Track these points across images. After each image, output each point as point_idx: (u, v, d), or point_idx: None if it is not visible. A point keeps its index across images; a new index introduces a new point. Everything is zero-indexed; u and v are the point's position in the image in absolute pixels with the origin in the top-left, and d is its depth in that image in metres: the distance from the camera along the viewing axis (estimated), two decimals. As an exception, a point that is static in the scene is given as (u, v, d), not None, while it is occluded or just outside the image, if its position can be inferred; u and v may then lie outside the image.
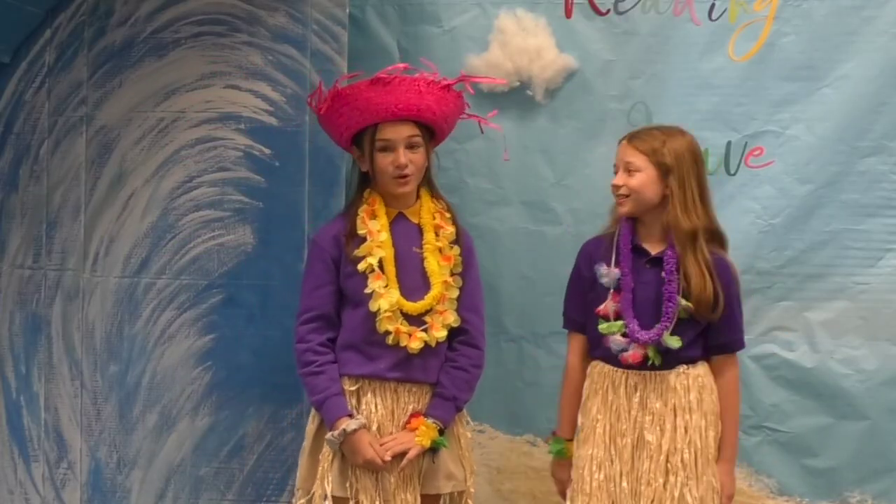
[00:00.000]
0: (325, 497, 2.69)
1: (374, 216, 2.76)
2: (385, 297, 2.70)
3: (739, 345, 2.82)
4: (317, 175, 3.20)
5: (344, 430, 2.67)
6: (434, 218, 2.80)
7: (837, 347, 3.34)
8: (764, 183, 3.35)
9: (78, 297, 3.30)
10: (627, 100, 3.42)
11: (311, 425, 2.81)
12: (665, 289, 2.69)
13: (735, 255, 2.90)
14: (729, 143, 3.37)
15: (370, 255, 2.72)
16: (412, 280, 2.74)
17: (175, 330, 3.26)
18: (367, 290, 2.71)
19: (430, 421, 2.72)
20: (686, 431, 2.69)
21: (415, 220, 2.80)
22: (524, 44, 3.40)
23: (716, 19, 3.38)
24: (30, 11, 3.25)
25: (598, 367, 2.80)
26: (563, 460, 2.89)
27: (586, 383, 2.82)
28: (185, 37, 3.23)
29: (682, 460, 2.67)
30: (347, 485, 2.70)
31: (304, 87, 3.19)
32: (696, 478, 2.69)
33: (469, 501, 2.82)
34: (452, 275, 2.78)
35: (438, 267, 2.76)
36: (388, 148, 2.72)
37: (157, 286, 3.26)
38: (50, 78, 3.31)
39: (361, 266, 2.72)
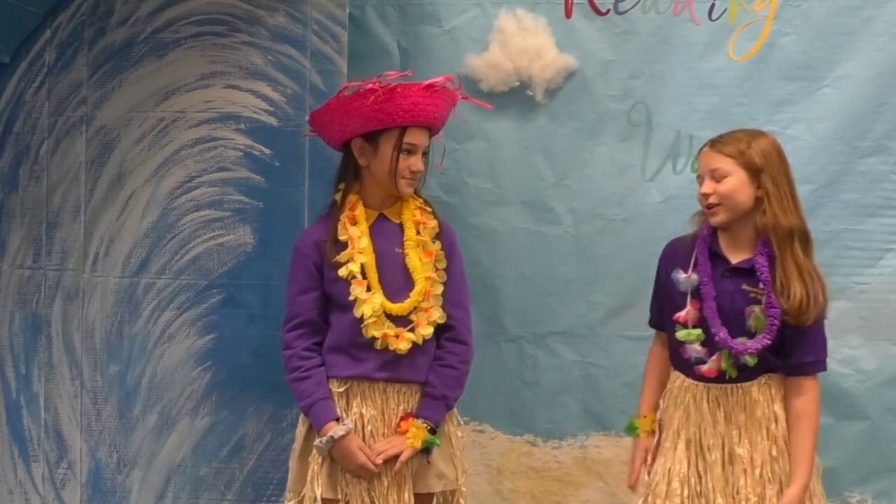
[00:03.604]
0: (316, 500, 2.67)
1: (354, 221, 2.74)
2: (368, 302, 2.67)
3: (815, 367, 2.63)
4: (317, 175, 3.20)
5: (331, 436, 2.66)
6: (415, 214, 2.78)
7: (837, 347, 3.32)
8: (764, 183, 3.35)
9: (78, 297, 3.30)
10: (627, 100, 3.42)
11: (300, 427, 2.80)
12: (767, 302, 2.56)
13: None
14: (729, 143, 3.37)
15: (351, 261, 2.70)
16: (396, 281, 2.72)
17: (175, 330, 3.26)
18: (351, 297, 2.69)
19: (420, 421, 2.70)
20: (777, 441, 2.60)
21: (396, 220, 2.79)
22: (524, 44, 3.40)
23: (716, 19, 3.38)
24: (30, 11, 3.26)
25: (678, 381, 2.69)
26: (636, 438, 2.77)
27: (667, 394, 2.72)
28: (185, 37, 3.23)
29: (772, 471, 2.58)
30: (338, 487, 2.69)
31: (303, 87, 3.20)
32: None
33: (461, 501, 2.81)
34: (437, 270, 2.76)
35: (420, 263, 2.73)
36: (411, 151, 2.73)
37: (157, 286, 3.26)
38: (50, 78, 3.31)
39: (342, 272, 2.70)
